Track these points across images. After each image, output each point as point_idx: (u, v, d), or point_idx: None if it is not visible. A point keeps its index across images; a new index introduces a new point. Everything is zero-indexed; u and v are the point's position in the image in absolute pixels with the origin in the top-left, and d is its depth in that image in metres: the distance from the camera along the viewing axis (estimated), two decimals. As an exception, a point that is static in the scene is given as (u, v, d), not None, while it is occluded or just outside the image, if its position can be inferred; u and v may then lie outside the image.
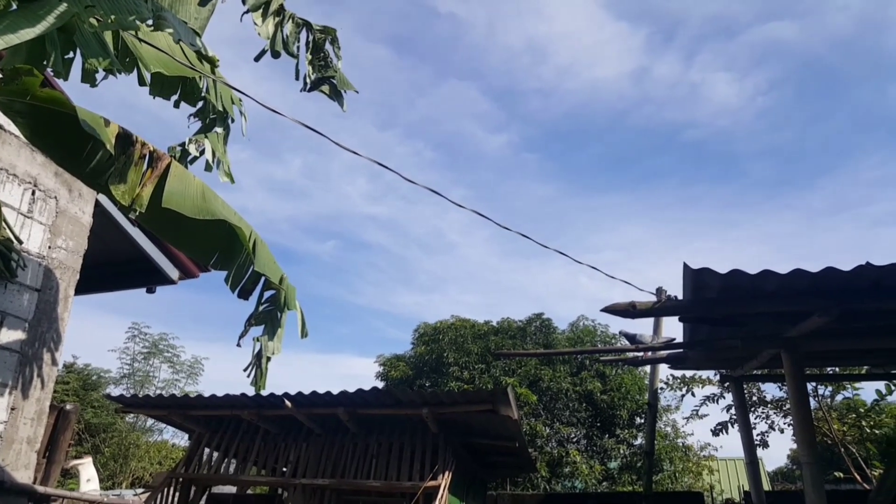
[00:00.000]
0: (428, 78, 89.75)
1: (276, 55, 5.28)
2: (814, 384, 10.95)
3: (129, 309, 59.47)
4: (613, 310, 4.91)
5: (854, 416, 11.09)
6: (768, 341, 5.25)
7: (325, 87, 5.90)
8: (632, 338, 7.11)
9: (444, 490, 6.97)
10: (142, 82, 3.67)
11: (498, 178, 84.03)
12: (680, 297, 5.01)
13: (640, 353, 7.55)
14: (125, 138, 3.51)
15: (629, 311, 4.88)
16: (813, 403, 11.78)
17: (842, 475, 11.92)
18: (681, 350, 7.10)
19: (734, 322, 5.31)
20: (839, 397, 11.58)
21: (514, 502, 10.36)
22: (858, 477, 10.90)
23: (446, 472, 7.18)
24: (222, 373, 42.27)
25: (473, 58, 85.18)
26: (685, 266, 4.35)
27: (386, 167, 6.62)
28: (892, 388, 10.00)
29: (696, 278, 4.41)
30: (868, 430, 10.85)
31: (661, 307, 4.95)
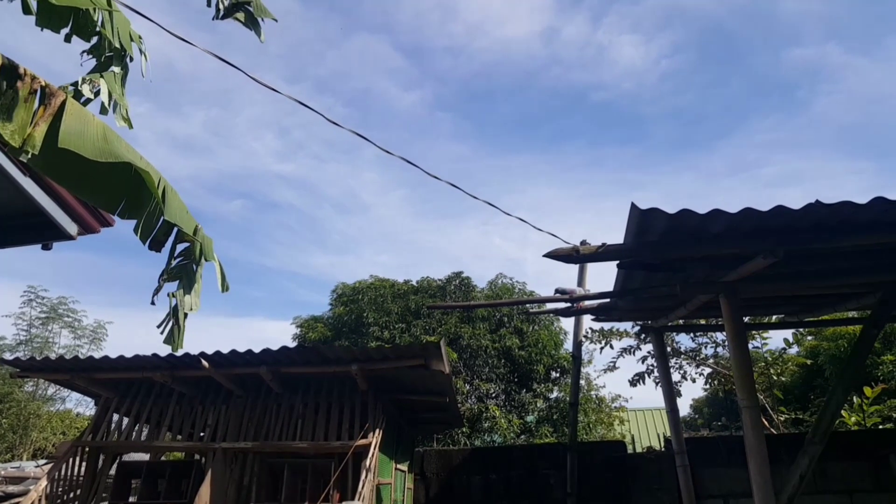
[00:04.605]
0: (337, 30, 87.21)
1: None
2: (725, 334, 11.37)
3: (24, 272, 55.64)
4: (556, 254, 4.72)
5: (763, 364, 11.62)
6: (707, 286, 5.23)
7: (241, 15, 5.38)
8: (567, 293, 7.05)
9: (374, 448, 6.74)
10: (27, 10, 3.17)
11: (412, 137, 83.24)
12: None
13: (572, 304, 7.48)
14: (10, 70, 2.97)
15: (572, 255, 4.69)
16: (723, 353, 12.32)
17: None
18: (610, 300, 7.08)
19: (671, 268, 5.24)
20: (749, 346, 12.10)
21: (441, 458, 10.28)
22: (766, 423, 11.48)
23: (377, 430, 6.95)
24: (127, 338, 40.38)
25: (384, 11, 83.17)
26: (632, 206, 4.17)
27: (306, 106, 6.18)
28: (800, 337, 10.51)
29: (643, 219, 4.25)
30: (775, 378, 11.40)
31: (604, 251, 4.77)
